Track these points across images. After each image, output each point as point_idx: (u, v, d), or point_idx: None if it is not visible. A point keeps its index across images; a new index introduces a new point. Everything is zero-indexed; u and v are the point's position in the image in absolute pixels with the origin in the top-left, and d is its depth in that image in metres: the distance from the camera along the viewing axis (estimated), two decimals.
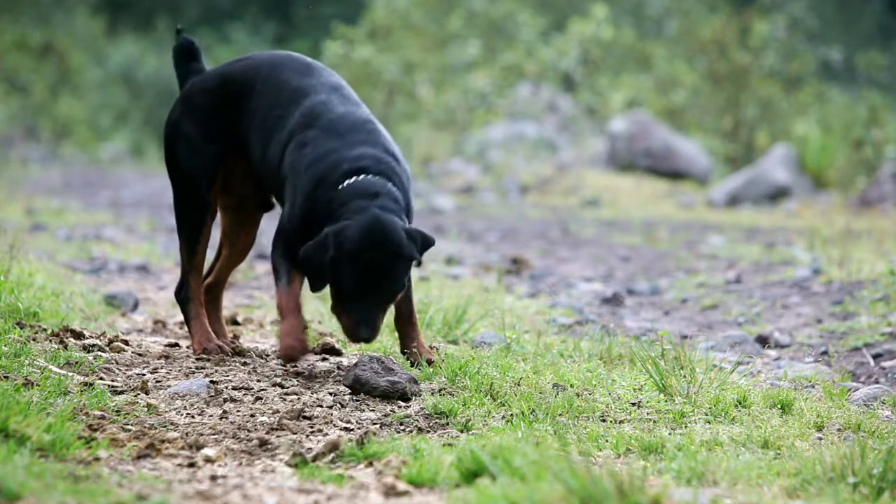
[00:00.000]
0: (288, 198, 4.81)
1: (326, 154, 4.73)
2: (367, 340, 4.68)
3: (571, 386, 4.82)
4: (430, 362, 4.94)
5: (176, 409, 4.38)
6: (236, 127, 5.03)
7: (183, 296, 5.14)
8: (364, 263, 4.56)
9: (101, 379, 4.68)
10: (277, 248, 4.82)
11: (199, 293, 5.13)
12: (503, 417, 4.38)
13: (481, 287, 7.79)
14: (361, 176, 4.67)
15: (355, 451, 3.85)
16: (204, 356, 5.04)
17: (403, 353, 5.01)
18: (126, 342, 5.32)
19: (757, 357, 5.94)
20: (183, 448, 3.91)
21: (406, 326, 5.00)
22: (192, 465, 3.77)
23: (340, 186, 4.66)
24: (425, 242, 4.68)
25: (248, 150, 5.03)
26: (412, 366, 4.92)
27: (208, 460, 3.81)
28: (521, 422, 4.26)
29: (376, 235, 4.57)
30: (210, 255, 5.30)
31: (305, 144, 4.77)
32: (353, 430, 4.21)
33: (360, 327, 4.62)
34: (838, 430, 4.44)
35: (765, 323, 6.93)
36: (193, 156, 5.06)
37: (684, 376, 4.74)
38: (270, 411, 4.39)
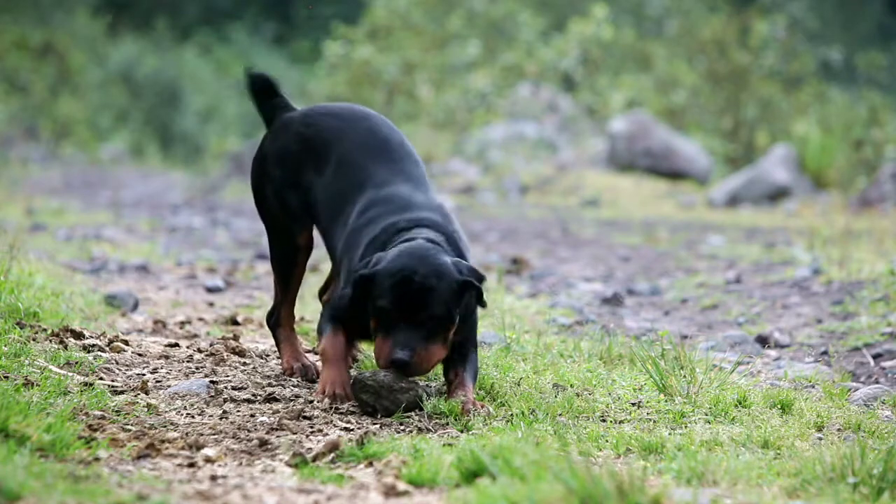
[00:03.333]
0: (343, 276, 4.66)
1: (384, 224, 4.58)
2: (403, 365, 4.32)
3: (571, 386, 4.82)
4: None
5: (176, 409, 4.38)
6: (312, 182, 4.88)
7: (273, 321, 5.08)
8: (401, 282, 4.32)
9: (101, 379, 4.68)
10: (324, 314, 4.69)
11: (289, 320, 5.06)
12: (503, 417, 4.38)
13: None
14: (415, 229, 4.51)
15: (355, 451, 3.85)
16: (290, 375, 4.98)
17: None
18: (126, 342, 5.32)
19: (757, 357, 5.94)
20: (183, 448, 3.91)
21: (456, 389, 4.51)
22: (192, 465, 3.77)
23: (393, 241, 4.51)
24: (473, 271, 4.40)
25: (316, 210, 4.88)
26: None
27: (208, 460, 3.81)
28: (521, 422, 4.26)
29: (415, 255, 4.36)
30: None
31: (367, 223, 4.62)
32: (353, 430, 4.21)
33: (395, 349, 4.32)
34: (838, 430, 4.44)
35: (765, 323, 6.93)
36: (281, 201, 4.93)
37: (684, 376, 4.74)
38: (270, 411, 4.39)
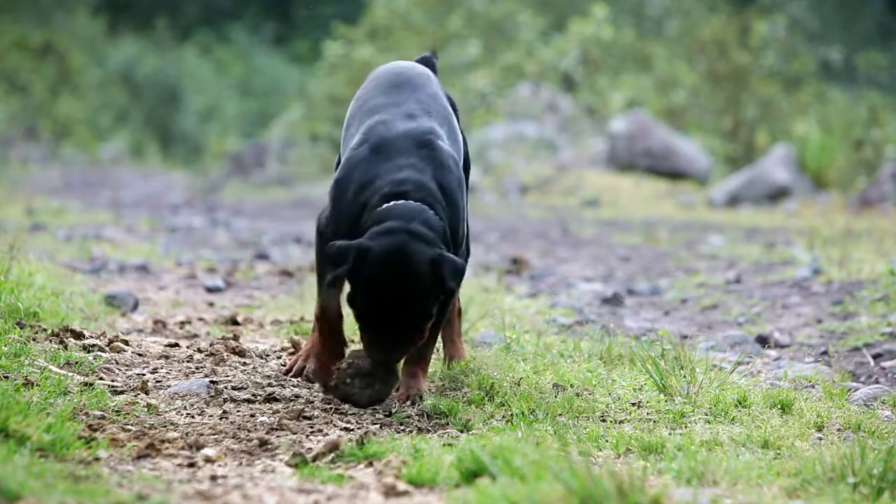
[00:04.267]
0: (330, 200, 4.61)
1: (371, 179, 4.51)
2: (384, 363, 4.38)
3: (571, 386, 4.82)
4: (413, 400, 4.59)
5: (176, 409, 4.38)
6: None
7: None
8: (380, 293, 4.28)
9: (101, 379, 4.68)
10: (321, 244, 4.61)
11: None
12: (503, 417, 4.38)
13: (481, 287, 7.79)
14: (401, 201, 4.42)
15: (355, 451, 3.85)
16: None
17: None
18: (126, 342, 5.32)
19: (757, 357, 5.94)
20: (183, 448, 3.91)
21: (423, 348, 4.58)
22: (192, 465, 3.77)
23: (377, 210, 4.42)
24: (456, 272, 4.36)
25: None
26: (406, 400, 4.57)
27: (208, 460, 3.80)
28: (521, 422, 4.26)
29: (397, 267, 4.27)
30: None
31: (357, 164, 4.56)
32: (353, 430, 4.21)
33: (374, 351, 4.34)
34: (838, 430, 4.44)
35: (765, 323, 6.93)
36: None
37: (684, 376, 4.74)
38: (270, 411, 4.39)
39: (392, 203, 4.40)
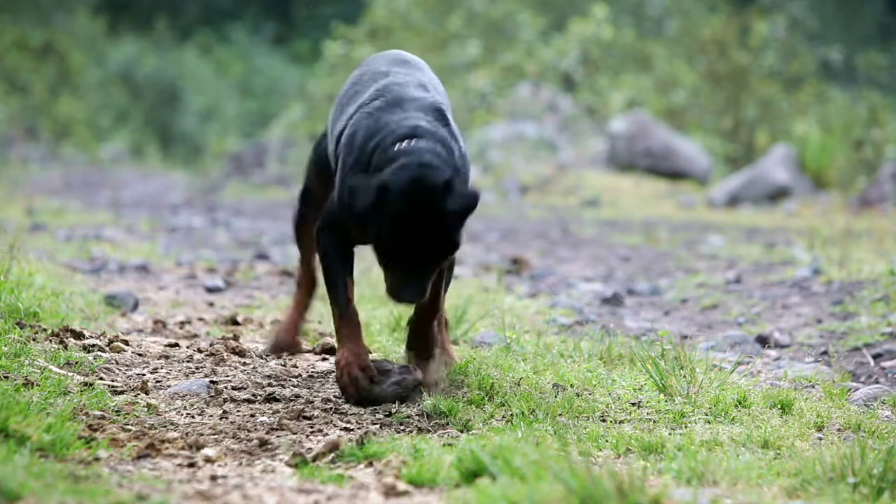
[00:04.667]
0: (339, 173, 4.54)
1: (384, 125, 4.49)
2: (412, 303, 4.45)
3: (571, 386, 4.82)
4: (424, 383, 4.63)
5: (176, 409, 4.38)
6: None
7: None
8: (408, 223, 4.25)
9: (101, 379, 4.68)
10: (327, 235, 4.57)
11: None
12: (503, 417, 4.38)
13: (481, 287, 7.79)
14: (414, 140, 4.40)
15: (355, 451, 3.85)
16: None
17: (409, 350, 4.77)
18: (126, 342, 5.32)
19: (757, 357, 5.94)
20: (183, 448, 3.91)
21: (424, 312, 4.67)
22: (192, 465, 3.77)
23: (391, 150, 4.39)
24: (469, 198, 4.31)
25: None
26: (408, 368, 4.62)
27: (208, 460, 3.80)
28: (521, 422, 4.26)
29: (421, 193, 4.23)
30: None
31: (369, 115, 4.55)
32: (353, 430, 4.21)
33: (405, 290, 4.33)
34: (838, 430, 4.43)
35: (765, 323, 6.92)
36: None
37: (684, 376, 4.73)
38: (270, 411, 4.39)
39: (405, 143, 4.39)
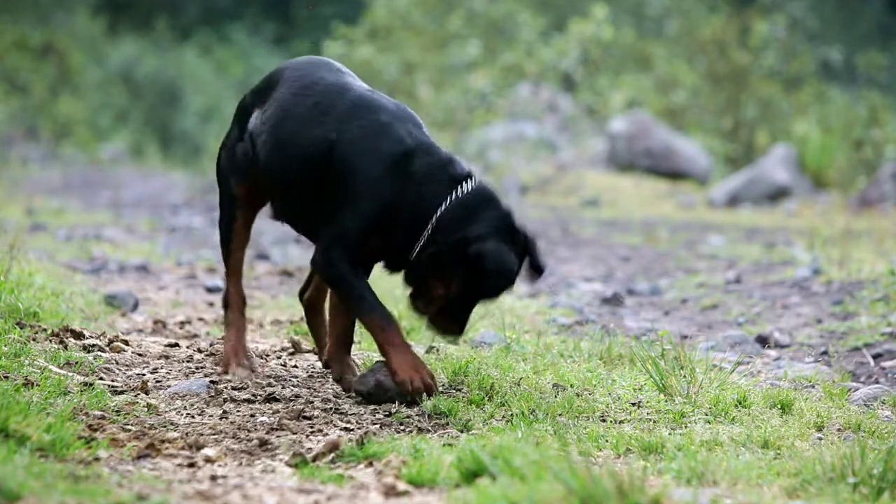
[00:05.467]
0: (350, 194, 4.48)
1: (412, 149, 4.49)
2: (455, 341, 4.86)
3: (571, 386, 4.82)
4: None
5: (176, 409, 4.38)
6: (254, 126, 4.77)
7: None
8: (491, 289, 4.50)
9: (101, 379, 4.68)
10: (341, 263, 4.51)
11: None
12: (503, 417, 4.38)
13: None
14: (471, 184, 4.48)
15: (355, 451, 3.85)
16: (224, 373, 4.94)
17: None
18: (126, 342, 5.33)
19: (757, 357, 5.94)
20: (183, 448, 3.91)
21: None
22: (192, 465, 3.77)
23: (450, 196, 4.47)
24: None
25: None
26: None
27: (208, 460, 3.81)
28: (521, 422, 4.26)
29: (506, 272, 4.46)
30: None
31: (381, 132, 4.51)
32: (353, 430, 4.21)
33: (457, 328, 4.57)
34: (838, 430, 4.44)
35: (765, 323, 6.93)
36: None
37: (684, 376, 4.74)
38: (270, 411, 4.39)
39: (465, 187, 4.51)
